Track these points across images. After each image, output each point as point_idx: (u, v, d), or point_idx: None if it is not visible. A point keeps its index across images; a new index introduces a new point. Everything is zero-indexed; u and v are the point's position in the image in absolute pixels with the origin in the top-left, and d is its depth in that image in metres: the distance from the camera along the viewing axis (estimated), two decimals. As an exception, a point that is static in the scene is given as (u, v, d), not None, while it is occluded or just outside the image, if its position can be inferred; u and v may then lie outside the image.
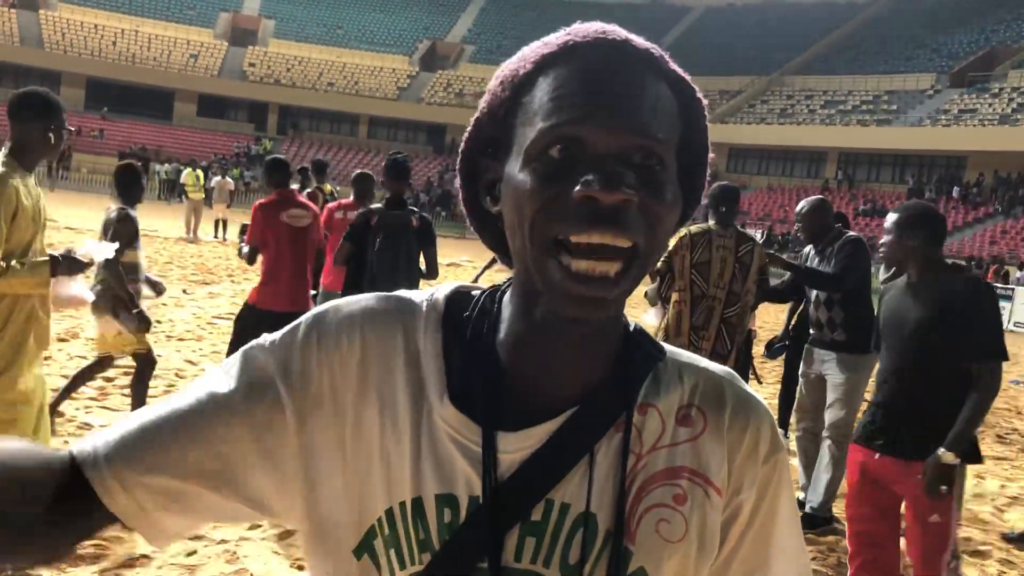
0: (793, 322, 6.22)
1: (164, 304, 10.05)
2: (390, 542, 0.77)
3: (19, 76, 41.13)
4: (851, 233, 5.08)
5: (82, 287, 3.66)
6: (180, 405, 0.80)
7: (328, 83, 52.00)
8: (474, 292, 0.87)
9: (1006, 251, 31.64)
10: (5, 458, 0.75)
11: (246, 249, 5.71)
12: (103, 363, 5.41)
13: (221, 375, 0.81)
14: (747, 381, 2.04)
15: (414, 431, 0.79)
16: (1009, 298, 21.32)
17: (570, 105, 0.72)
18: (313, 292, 6.20)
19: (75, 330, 7.86)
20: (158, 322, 8.85)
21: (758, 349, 6.65)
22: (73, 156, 38.56)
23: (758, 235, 29.27)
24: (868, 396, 4.23)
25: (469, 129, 0.83)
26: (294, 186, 8.95)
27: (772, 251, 5.17)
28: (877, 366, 3.45)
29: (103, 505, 0.77)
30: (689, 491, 0.80)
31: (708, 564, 0.82)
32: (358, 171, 7.15)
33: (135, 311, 4.82)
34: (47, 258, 3.25)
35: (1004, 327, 3.24)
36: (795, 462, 5.55)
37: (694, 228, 4.71)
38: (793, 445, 5.43)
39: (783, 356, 6.24)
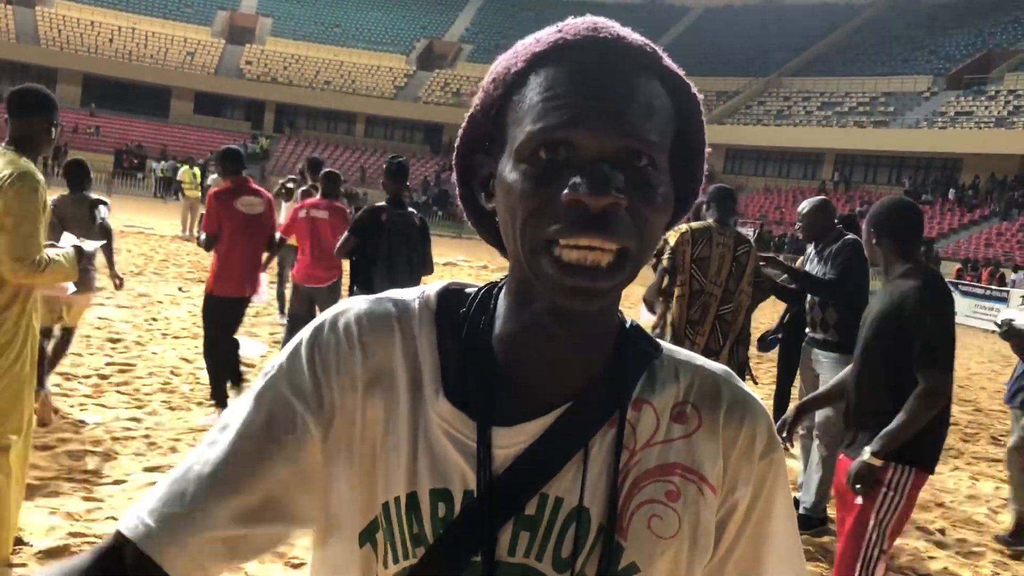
0: (787, 317, 6.22)
1: (160, 302, 10.03)
2: (387, 536, 0.78)
3: (15, 73, 41.06)
4: (849, 236, 5.08)
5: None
6: (213, 456, 0.79)
7: (325, 81, 51.89)
8: (468, 289, 0.87)
9: (1001, 253, 31.69)
10: None
11: (203, 237, 5.85)
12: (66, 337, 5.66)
13: (243, 415, 0.81)
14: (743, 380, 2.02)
15: (411, 427, 0.79)
16: (1004, 300, 21.33)
17: (560, 107, 0.71)
18: (272, 282, 6.19)
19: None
20: (153, 320, 8.85)
21: (753, 350, 6.65)
22: (68, 153, 38.46)
23: (751, 233, 29.30)
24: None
25: (464, 126, 0.83)
26: (290, 186, 8.98)
27: (770, 254, 5.18)
28: None
29: (165, 574, 0.77)
30: (682, 487, 0.80)
31: (702, 561, 0.82)
32: (326, 170, 7.09)
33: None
34: (72, 248, 3.34)
35: (954, 336, 2.98)
36: (795, 463, 5.56)
37: (695, 224, 4.75)
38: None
39: (776, 351, 6.22)
